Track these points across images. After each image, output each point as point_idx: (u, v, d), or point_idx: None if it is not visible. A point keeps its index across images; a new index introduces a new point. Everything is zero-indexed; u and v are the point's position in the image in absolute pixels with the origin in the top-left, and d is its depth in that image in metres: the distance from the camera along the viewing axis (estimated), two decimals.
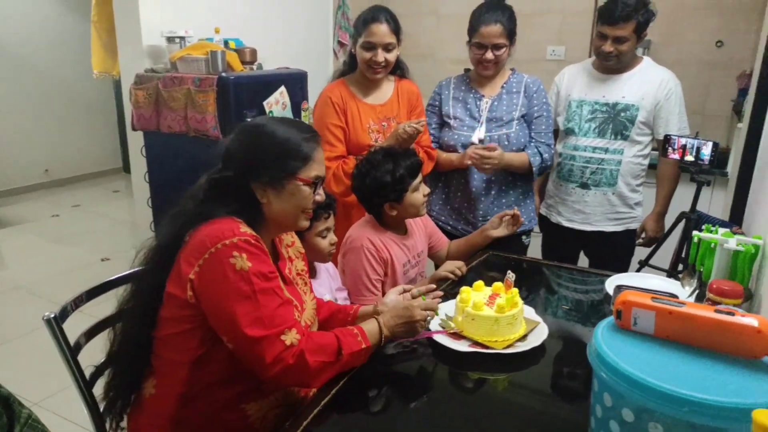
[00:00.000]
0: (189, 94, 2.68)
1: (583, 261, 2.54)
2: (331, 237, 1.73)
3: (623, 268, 2.32)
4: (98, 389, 1.35)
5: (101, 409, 1.33)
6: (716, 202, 3.13)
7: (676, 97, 2.23)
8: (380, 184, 1.81)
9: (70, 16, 6.00)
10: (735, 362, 0.82)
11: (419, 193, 1.85)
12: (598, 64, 2.32)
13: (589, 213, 2.34)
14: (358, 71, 2.20)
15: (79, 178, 6.41)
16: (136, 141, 3.12)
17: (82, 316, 1.41)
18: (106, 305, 1.47)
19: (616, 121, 2.25)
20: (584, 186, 2.32)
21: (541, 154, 2.25)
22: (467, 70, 2.39)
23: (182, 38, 2.95)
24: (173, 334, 1.21)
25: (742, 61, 3.42)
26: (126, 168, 6.61)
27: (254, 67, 3.07)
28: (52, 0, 5.88)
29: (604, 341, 0.88)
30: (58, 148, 6.17)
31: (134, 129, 2.99)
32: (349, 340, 1.26)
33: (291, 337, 1.17)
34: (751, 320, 0.82)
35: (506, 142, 2.18)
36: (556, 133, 2.44)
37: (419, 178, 1.85)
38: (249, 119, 2.72)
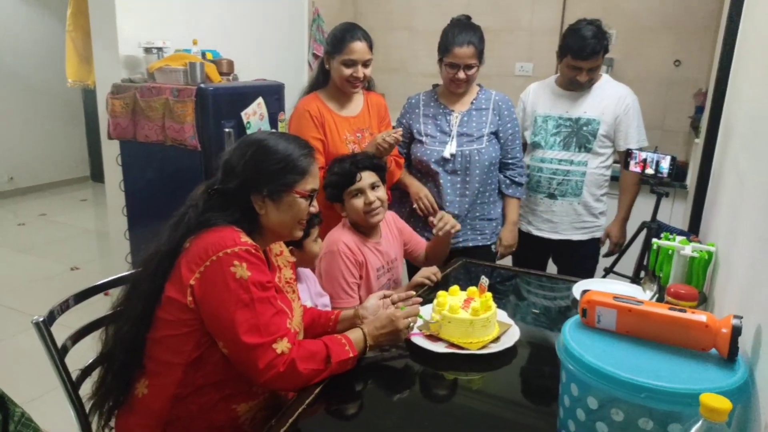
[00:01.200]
0: (167, 104, 2.71)
1: (551, 268, 2.65)
2: (320, 243, 1.80)
3: (589, 274, 2.43)
4: (83, 391, 1.38)
5: (87, 410, 1.35)
6: (677, 212, 3.29)
7: (634, 111, 2.38)
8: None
9: (39, 23, 5.93)
10: (686, 354, 0.91)
11: (359, 199, 1.90)
12: (561, 82, 2.45)
13: (556, 222, 2.45)
14: (331, 85, 2.27)
15: (45, 187, 6.29)
16: (111, 150, 3.12)
17: (63, 321, 1.43)
18: (83, 312, 1.49)
19: (579, 135, 2.37)
20: (552, 196, 2.44)
21: (519, 184, 2.39)
22: (435, 86, 2.48)
23: (159, 49, 2.97)
24: (170, 336, 1.25)
25: (698, 79, 3.61)
26: (94, 176, 6.53)
27: (231, 78, 3.11)
28: (18, 4, 5.80)
29: (571, 337, 0.96)
30: (22, 156, 6.06)
31: (110, 138, 2.98)
32: (337, 348, 1.32)
33: (282, 346, 1.22)
34: (699, 317, 0.91)
35: (477, 157, 2.28)
36: (523, 146, 2.55)
37: (356, 184, 1.89)
38: (227, 129, 2.76)
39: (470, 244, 2.32)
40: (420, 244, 2.18)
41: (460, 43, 2.19)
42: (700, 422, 0.76)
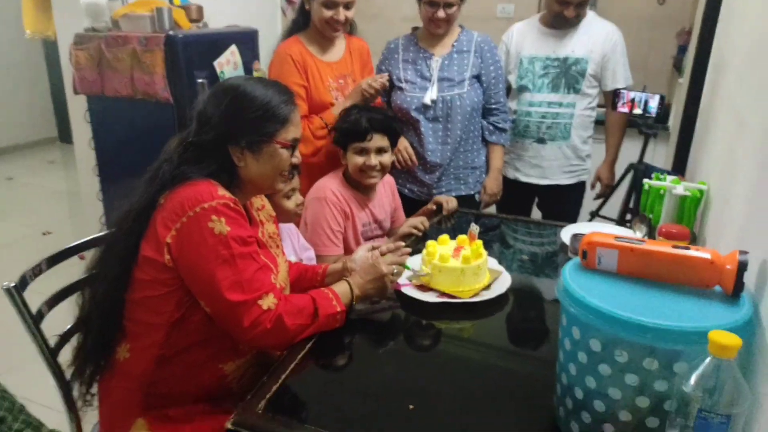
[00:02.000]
0: (135, 55, 2.57)
1: (535, 214, 2.63)
2: (297, 197, 1.73)
3: (574, 219, 2.43)
4: (62, 357, 1.34)
5: (69, 377, 1.31)
6: (658, 154, 3.27)
7: (620, 49, 2.32)
8: (335, 126, 1.94)
9: None
10: (690, 292, 0.88)
11: (360, 157, 1.86)
12: (547, 21, 2.37)
13: (545, 167, 2.42)
14: (312, 28, 2.16)
15: (10, 149, 6.03)
16: (78, 106, 2.97)
17: (37, 288, 1.37)
18: (58, 276, 1.43)
19: (568, 75, 2.31)
20: (541, 141, 2.39)
21: (503, 130, 2.32)
22: (415, 29, 2.38)
23: None
24: (149, 297, 1.20)
25: (682, 18, 3.55)
26: (62, 137, 6.29)
27: (201, 25, 2.96)
28: None
29: (571, 279, 0.93)
30: None
31: (76, 93, 2.84)
32: (324, 302, 1.28)
33: (268, 302, 1.18)
34: (704, 253, 0.89)
35: (458, 103, 2.20)
36: (507, 91, 2.48)
37: (363, 143, 1.85)
38: (200, 80, 2.64)
39: (453, 194, 2.27)
40: (401, 219, 2.13)
41: None
42: (708, 360, 0.74)
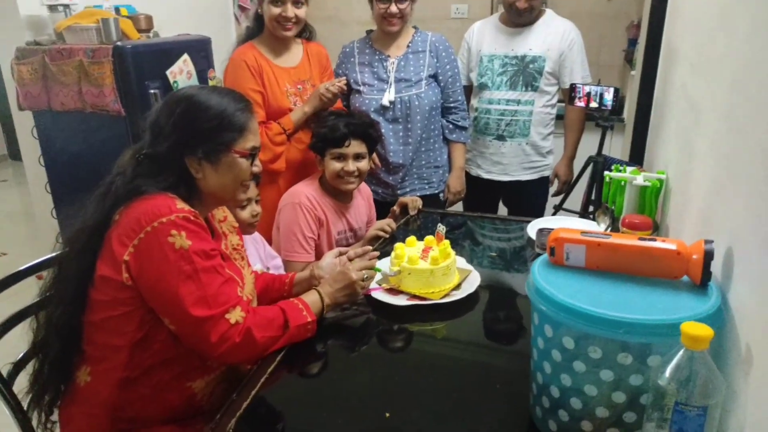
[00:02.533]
0: (82, 67, 2.47)
1: (502, 210, 2.65)
2: (253, 208, 1.69)
3: (539, 213, 2.44)
4: (19, 386, 1.26)
5: (26, 406, 1.24)
6: (615, 146, 3.34)
7: (578, 47, 2.34)
8: (314, 132, 1.90)
9: None
10: (659, 284, 0.89)
11: (338, 163, 1.83)
12: (505, 19, 2.38)
13: (506, 164, 2.43)
14: (266, 33, 2.11)
15: None
16: (24, 122, 2.85)
17: None
18: (14, 299, 1.36)
19: (526, 73, 2.33)
20: (500, 138, 2.40)
21: (463, 128, 2.32)
22: (369, 32, 2.36)
23: (66, 6, 2.70)
24: (109, 318, 1.14)
25: (630, 12, 3.63)
26: (13, 155, 6.05)
27: (151, 35, 2.87)
28: None
29: (540, 277, 0.92)
30: None
31: (21, 109, 2.72)
32: (294, 313, 1.25)
33: (236, 315, 1.14)
34: (670, 245, 0.89)
35: (417, 103, 2.20)
36: (469, 88, 2.49)
37: (341, 149, 1.83)
38: (153, 91, 2.56)
39: (418, 194, 2.26)
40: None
41: None
42: (681, 352, 0.74)
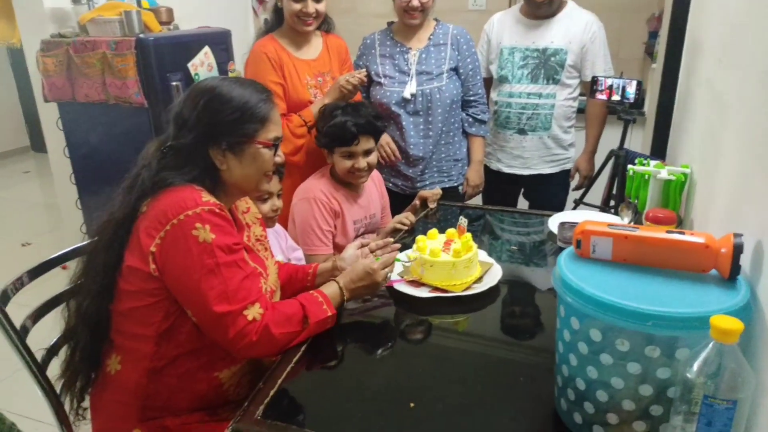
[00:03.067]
0: (105, 59, 2.51)
1: (522, 204, 2.64)
2: (274, 202, 1.69)
3: (560, 207, 2.43)
4: (52, 370, 1.30)
5: (58, 390, 1.28)
6: (635, 139, 3.30)
7: (600, 40, 2.32)
8: (319, 128, 1.88)
9: None
10: (687, 277, 0.89)
11: (348, 161, 1.83)
12: (526, 10, 2.36)
13: (527, 157, 2.42)
14: (285, 26, 2.12)
15: None
16: (49, 114, 2.89)
17: (21, 300, 1.33)
18: (41, 288, 1.39)
19: (547, 66, 2.31)
20: (521, 132, 2.39)
21: (482, 122, 2.32)
22: (390, 23, 2.36)
23: None
24: (136, 308, 1.16)
25: (650, 4, 3.58)
26: (35, 146, 6.14)
27: (171, 27, 2.90)
28: None
29: (567, 269, 0.93)
30: None
31: (46, 100, 2.76)
32: (314, 308, 1.25)
33: (254, 312, 1.15)
34: (698, 238, 0.89)
35: (438, 96, 2.19)
36: (488, 81, 2.48)
37: (351, 147, 1.82)
38: (174, 83, 2.59)
39: (437, 187, 2.27)
40: (387, 219, 2.11)
41: None
42: (710, 345, 0.74)
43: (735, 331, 0.72)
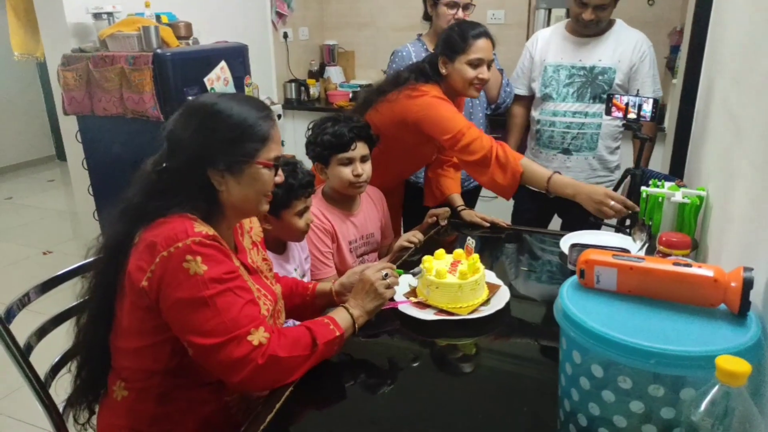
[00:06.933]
0: (123, 74, 2.55)
1: (555, 222, 2.58)
2: (308, 216, 1.66)
3: (595, 227, 2.37)
4: (57, 388, 1.31)
5: (62, 409, 1.28)
6: (655, 156, 3.23)
7: (650, 60, 2.28)
8: (312, 140, 1.83)
9: None
10: (694, 311, 0.85)
11: (347, 168, 1.80)
12: (572, 28, 2.32)
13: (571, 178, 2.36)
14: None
15: (9, 169, 6.05)
16: (69, 126, 2.95)
17: (31, 315, 1.34)
18: (55, 300, 1.40)
19: (594, 85, 2.27)
20: (566, 152, 2.35)
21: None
22: (420, 35, 2.42)
23: (110, 14, 2.78)
24: (143, 347, 1.14)
25: (672, 18, 3.52)
26: (60, 155, 6.28)
27: (190, 42, 2.94)
28: None
29: (569, 300, 0.90)
30: None
31: (66, 113, 2.82)
32: (321, 329, 1.20)
33: (258, 336, 1.09)
34: (706, 271, 0.85)
35: (477, 101, 2.33)
36: (529, 99, 2.46)
37: (348, 153, 1.78)
38: (191, 97, 2.61)
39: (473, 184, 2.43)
40: (389, 236, 2.08)
41: None
42: (716, 387, 0.70)
43: (742, 374, 0.68)
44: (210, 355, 1.07)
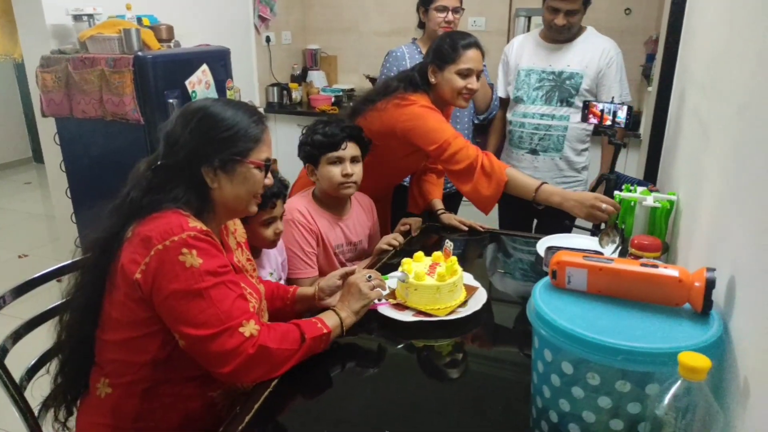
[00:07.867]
0: (103, 76, 2.53)
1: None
2: (277, 225, 1.66)
3: (568, 230, 2.41)
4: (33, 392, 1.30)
5: (37, 412, 1.27)
6: (631, 162, 3.31)
7: (617, 66, 2.35)
8: (304, 141, 1.85)
9: None
10: (660, 311, 0.88)
11: (336, 167, 1.80)
12: (545, 34, 2.40)
13: (539, 178, 2.41)
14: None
15: None
16: (47, 128, 2.92)
17: (6, 318, 1.33)
18: (31, 304, 1.39)
19: (562, 89, 2.35)
20: (533, 152, 2.43)
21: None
22: (414, 39, 2.50)
23: (90, 16, 2.77)
24: (132, 338, 1.15)
25: (648, 27, 3.61)
26: (37, 158, 6.18)
27: (172, 45, 2.93)
28: None
29: (541, 300, 0.93)
30: None
31: (44, 115, 2.79)
32: (308, 326, 1.24)
33: (250, 329, 1.13)
34: (672, 271, 0.89)
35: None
36: (505, 101, 2.52)
37: (338, 152, 1.80)
38: (171, 100, 2.61)
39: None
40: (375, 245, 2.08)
41: None
42: (678, 382, 0.73)
43: (702, 369, 0.71)
44: (203, 345, 1.11)
